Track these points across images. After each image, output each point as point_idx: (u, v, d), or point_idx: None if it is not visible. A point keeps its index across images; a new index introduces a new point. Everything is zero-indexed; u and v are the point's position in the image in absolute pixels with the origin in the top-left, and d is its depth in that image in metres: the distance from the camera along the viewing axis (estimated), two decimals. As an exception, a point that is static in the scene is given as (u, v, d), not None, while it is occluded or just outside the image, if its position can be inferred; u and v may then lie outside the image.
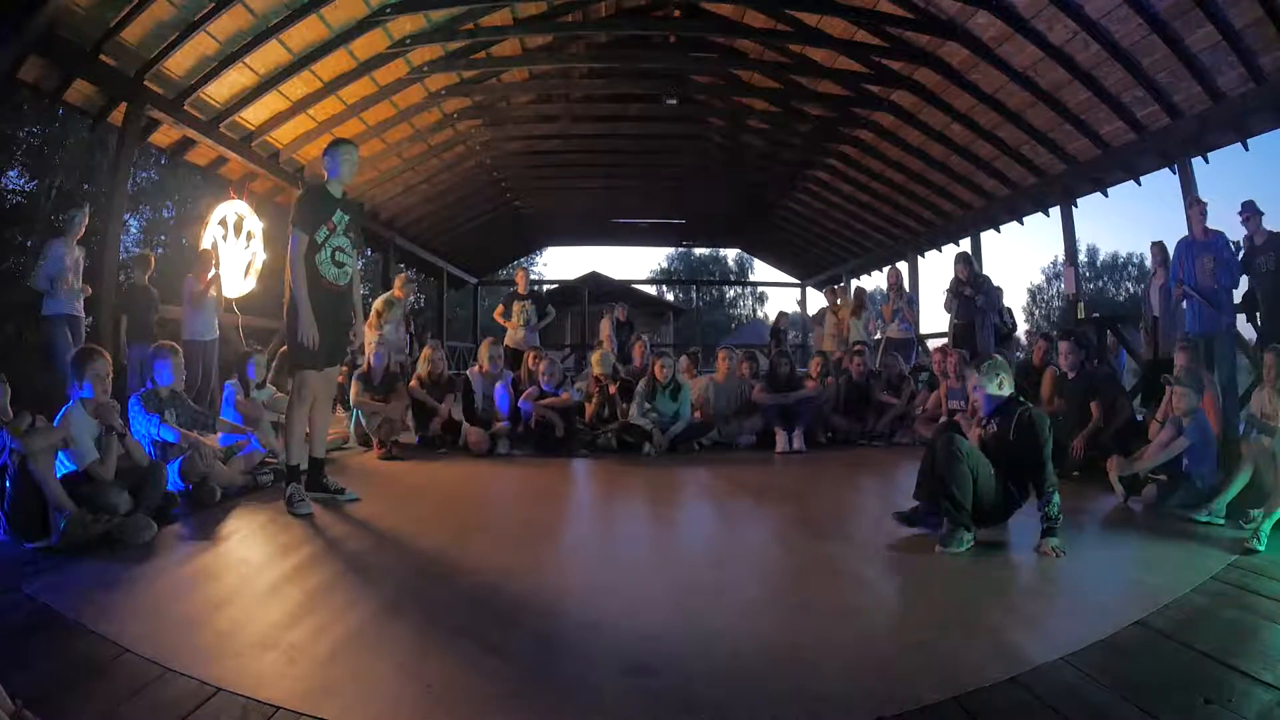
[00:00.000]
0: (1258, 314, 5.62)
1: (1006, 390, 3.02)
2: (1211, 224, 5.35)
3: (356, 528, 3.07)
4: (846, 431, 5.98)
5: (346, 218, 3.46)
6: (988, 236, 9.35)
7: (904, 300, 7.63)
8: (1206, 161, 5.95)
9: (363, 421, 5.22)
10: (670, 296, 30.61)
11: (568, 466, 4.84)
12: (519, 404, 5.29)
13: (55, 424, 2.81)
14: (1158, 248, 5.82)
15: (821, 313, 9.28)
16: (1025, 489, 2.87)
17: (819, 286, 14.96)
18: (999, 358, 3.24)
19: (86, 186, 16.91)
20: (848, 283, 14.16)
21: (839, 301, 8.98)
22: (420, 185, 10.05)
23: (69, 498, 2.61)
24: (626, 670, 1.72)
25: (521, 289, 7.73)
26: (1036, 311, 40.30)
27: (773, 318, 12.18)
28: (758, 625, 2.04)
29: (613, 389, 5.61)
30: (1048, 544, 2.65)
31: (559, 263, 39.21)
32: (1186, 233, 5.35)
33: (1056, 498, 2.71)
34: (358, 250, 3.58)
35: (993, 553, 2.76)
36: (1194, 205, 5.32)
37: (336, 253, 3.39)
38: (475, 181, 10.96)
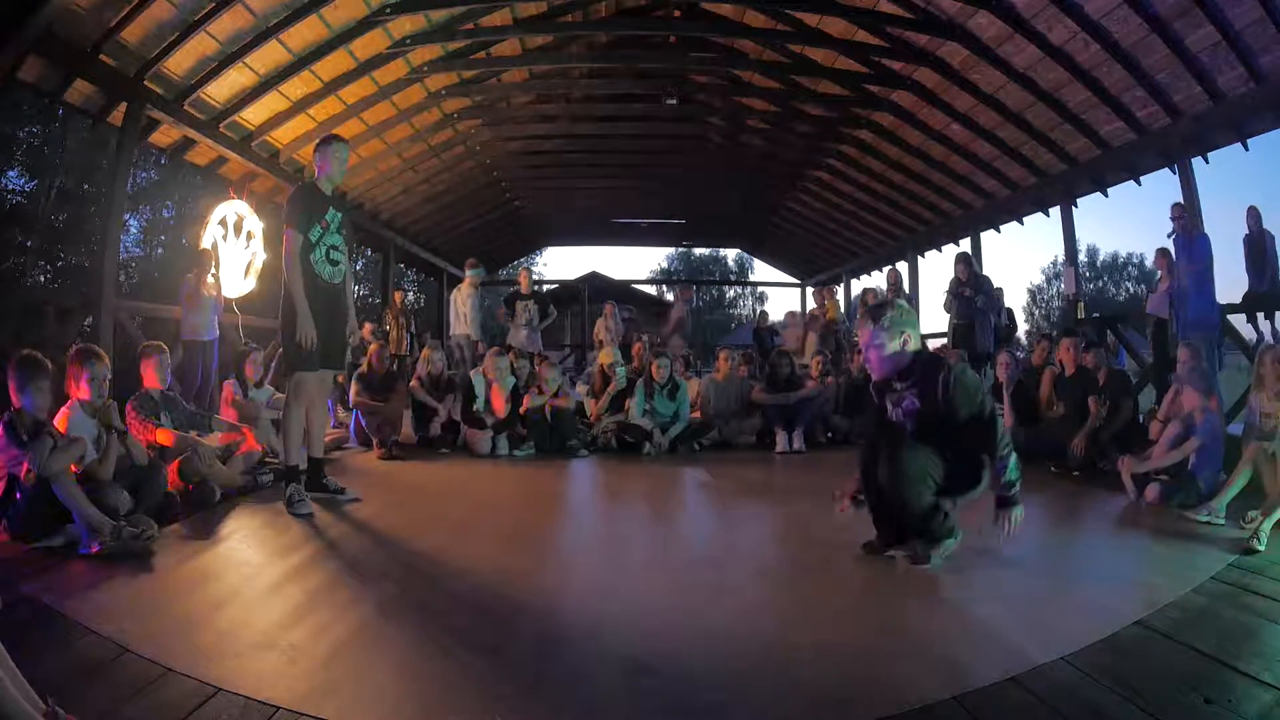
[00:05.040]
0: (1259, 314, 5.64)
1: (913, 346, 2.47)
2: (1209, 225, 5.40)
3: (356, 528, 3.07)
4: (846, 431, 5.98)
5: (339, 215, 3.45)
6: (988, 236, 9.35)
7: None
8: (1206, 161, 5.95)
9: (362, 421, 5.22)
10: (670, 296, 30.62)
11: (568, 466, 4.84)
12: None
13: (55, 426, 2.81)
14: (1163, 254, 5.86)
15: (814, 314, 9.34)
16: (978, 458, 2.42)
17: (819, 286, 14.98)
18: (905, 305, 2.61)
19: (86, 186, 16.93)
20: (847, 283, 14.19)
21: (826, 304, 9.05)
22: (420, 185, 10.05)
23: (101, 513, 2.59)
24: (626, 670, 1.72)
25: (524, 289, 7.74)
26: (1036, 311, 40.34)
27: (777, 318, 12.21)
28: (757, 625, 2.04)
29: (611, 386, 5.64)
30: (1007, 515, 2.35)
31: (559, 263, 39.36)
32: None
33: (1015, 459, 2.37)
34: (350, 248, 3.58)
35: (991, 553, 2.76)
36: (1178, 219, 5.39)
37: (331, 251, 3.38)
38: (475, 181, 10.96)
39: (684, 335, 8.22)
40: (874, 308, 2.55)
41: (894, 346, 2.45)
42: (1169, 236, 5.47)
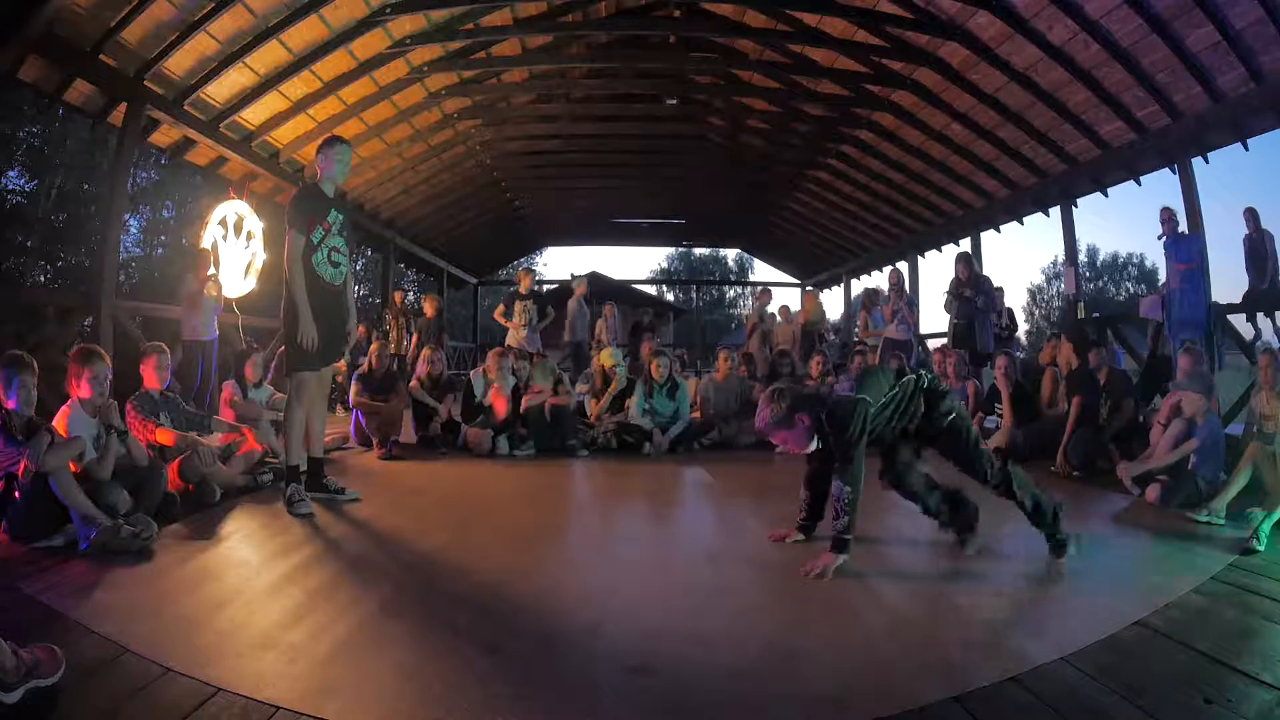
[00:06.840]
0: (1258, 314, 5.65)
1: (785, 407, 2.57)
2: (1209, 225, 5.42)
3: (356, 528, 3.07)
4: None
5: (341, 217, 3.46)
6: (988, 236, 9.36)
7: (904, 301, 7.63)
8: (1206, 161, 5.95)
9: (362, 421, 5.22)
10: (670, 296, 30.65)
11: (568, 466, 4.84)
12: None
13: (55, 425, 2.81)
14: None
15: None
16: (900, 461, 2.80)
17: (818, 286, 15.00)
18: (782, 389, 2.68)
19: (86, 186, 16.93)
20: (847, 283, 14.19)
21: (806, 305, 9.14)
22: (420, 185, 10.06)
23: (98, 509, 2.60)
24: (626, 670, 1.72)
25: (523, 289, 7.74)
26: (1036, 311, 40.30)
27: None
28: (757, 625, 2.04)
29: (612, 386, 5.64)
30: (827, 562, 2.37)
31: (559, 263, 39.42)
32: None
33: (852, 498, 2.44)
34: (351, 249, 3.58)
35: (991, 553, 2.76)
36: (1166, 221, 5.44)
37: (332, 253, 3.39)
38: (475, 181, 10.97)
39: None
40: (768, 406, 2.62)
41: (784, 419, 2.57)
42: (1159, 239, 5.52)
